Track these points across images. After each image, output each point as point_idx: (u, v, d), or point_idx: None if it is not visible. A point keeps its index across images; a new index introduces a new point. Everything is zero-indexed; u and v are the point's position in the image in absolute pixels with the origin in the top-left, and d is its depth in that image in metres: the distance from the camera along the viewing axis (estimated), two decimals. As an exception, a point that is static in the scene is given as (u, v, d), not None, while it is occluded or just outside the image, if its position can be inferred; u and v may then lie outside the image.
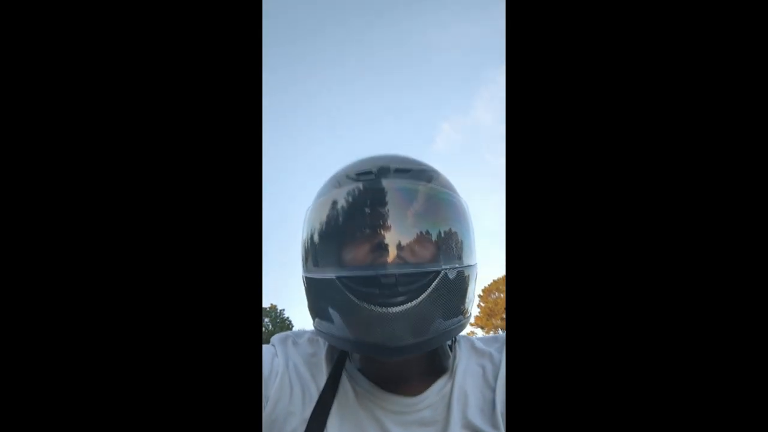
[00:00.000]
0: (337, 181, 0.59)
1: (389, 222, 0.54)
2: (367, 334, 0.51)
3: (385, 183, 0.55)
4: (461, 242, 0.57)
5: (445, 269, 0.53)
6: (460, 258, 0.56)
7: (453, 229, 0.57)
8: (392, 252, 0.53)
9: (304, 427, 0.55)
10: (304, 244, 0.59)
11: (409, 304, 0.50)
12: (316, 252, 0.57)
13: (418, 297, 0.50)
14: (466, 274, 0.56)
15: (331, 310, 0.54)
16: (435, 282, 0.52)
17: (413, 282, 0.51)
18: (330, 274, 0.53)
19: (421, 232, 0.55)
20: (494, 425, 0.55)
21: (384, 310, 0.50)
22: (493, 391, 0.58)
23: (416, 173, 0.58)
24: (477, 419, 0.56)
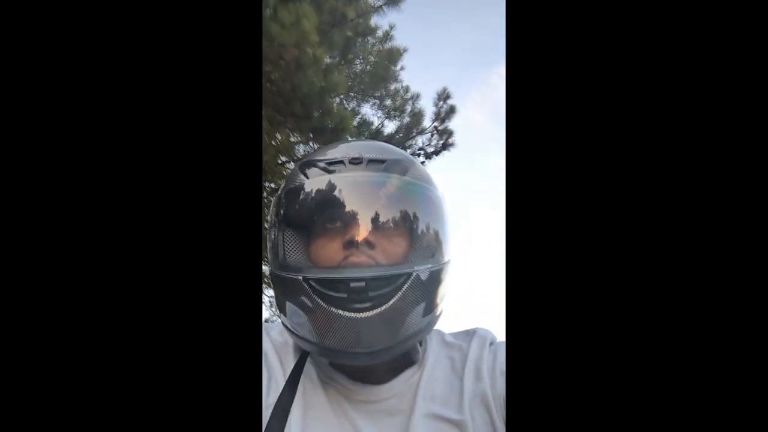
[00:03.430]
0: (307, 169, 0.55)
1: (360, 218, 0.51)
2: (335, 339, 0.50)
3: (358, 175, 0.53)
4: (435, 239, 0.55)
5: (417, 271, 0.51)
6: (433, 256, 0.54)
7: (427, 226, 0.55)
8: (363, 250, 0.51)
9: (268, 414, 0.52)
10: (271, 236, 0.57)
11: (379, 309, 0.48)
12: (283, 246, 0.54)
13: (389, 301, 0.49)
14: (438, 273, 0.54)
15: (298, 311, 0.52)
16: (406, 285, 0.50)
17: (384, 286, 0.49)
18: (297, 275, 0.51)
19: (393, 229, 0.53)
20: (459, 411, 0.54)
21: (353, 315, 0.48)
22: (461, 379, 0.57)
23: (391, 164, 0.54)
24: (442, 408, 0.55)
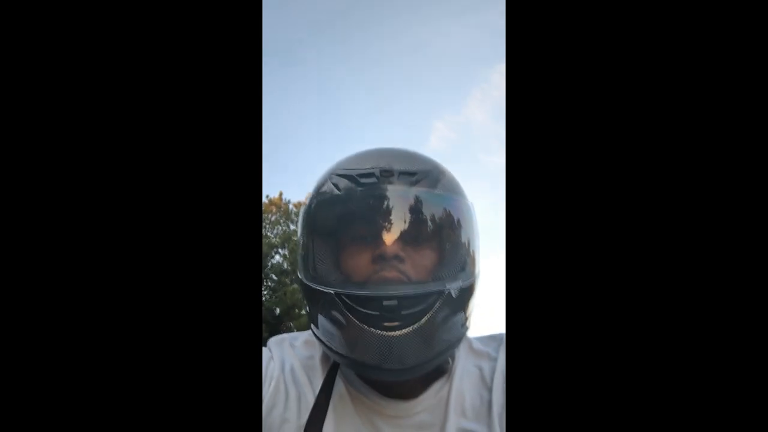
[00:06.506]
0: (337, 181, 0.55)
1: (390, 232, 0.51)
2: (366, 356, 0.49)
3: (389, 189, 0.52)
4: (466, 253, 0.55)
5: (449, 289, 0.51)
6: (463, 270, 0.54)
7: (457, 239, 0.54)
8: (393, 265, 0.50)
9: None
10: (302, 247, 0.57)
11: (411, 327, 0.48)
12: (314, 258, 0.54)
13: (421, 319, 0.49)
14: (469, 288, 0.54)
15: (329, 325, 0.52)
16: (438, 303, 0.50)
17: (416, 304, 0.49)
18: (329, 289, 0.51)
19: (423, 244, 0.53)
20: (490, 424, 0.54)
21: (385, 333, 0.48)
22: (490, 390, 0.57)
23: (422, 175, 0.54)
24: (473, 422, 0.55)
